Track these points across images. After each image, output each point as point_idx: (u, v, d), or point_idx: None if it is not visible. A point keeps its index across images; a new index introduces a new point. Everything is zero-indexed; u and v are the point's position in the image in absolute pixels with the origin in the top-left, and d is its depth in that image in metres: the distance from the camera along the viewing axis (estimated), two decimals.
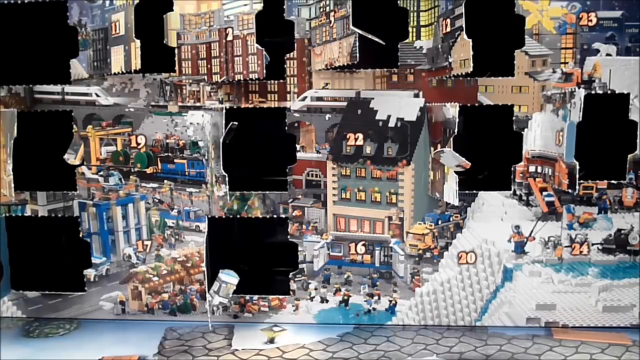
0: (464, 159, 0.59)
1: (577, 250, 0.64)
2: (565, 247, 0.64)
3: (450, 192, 0.61)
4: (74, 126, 0.67)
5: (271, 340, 0.65)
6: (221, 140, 0.63)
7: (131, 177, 0.68)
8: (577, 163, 0.60)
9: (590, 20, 0.60)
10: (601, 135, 0.61)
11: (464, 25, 0.60)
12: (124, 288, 0.69)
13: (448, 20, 0.62)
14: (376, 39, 0.62)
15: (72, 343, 0.66)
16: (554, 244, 0.64)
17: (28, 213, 0.68)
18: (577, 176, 0.61)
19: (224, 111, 0.64)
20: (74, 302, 0.70)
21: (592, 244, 0.64)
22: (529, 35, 0.61)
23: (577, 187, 0.61)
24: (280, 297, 0.67)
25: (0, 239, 0.68)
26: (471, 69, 0.60)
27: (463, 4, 0.60)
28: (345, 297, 0.67)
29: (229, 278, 0.66)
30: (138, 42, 0.63)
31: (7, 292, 0.69)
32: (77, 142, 0.67)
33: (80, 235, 0.68)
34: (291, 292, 0.67)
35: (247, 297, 0.67)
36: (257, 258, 0.66)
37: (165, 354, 0.63)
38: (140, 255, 0.68)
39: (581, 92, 0.60)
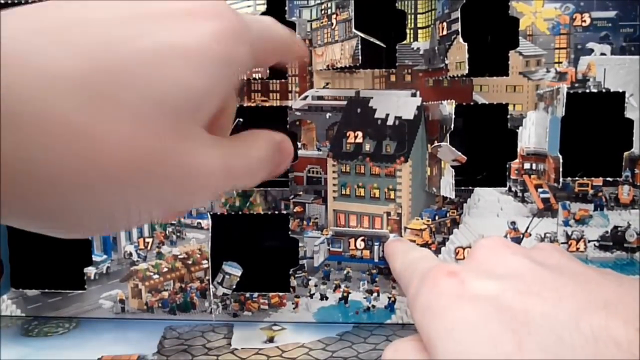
0: (460, 153, 0.57)
1: (573, 247, 0.61)
2: (562, 243, 0.61)
3: (447, 186, 0.59)
4: None
5: (270, 339, 0.61)
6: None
7: None
8: (560, 157, 0.58)
9: (584, 21, 0.59)
10: (597, 133, 0.59)
11: (459, 30, 0.59)
12: (124, 286, 0.66)
13: (444, 24, 0.61)
14: (378, 42, 0.61)
15: (71, 342, 0.61)
16: (550, 240, 0.61)
17: None
18: (561, 170, 0.58)
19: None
20: (74, 301, 0.65)
21: (589, 241, 0.61)
22: (523, 37, 0.60)
23: (561, 181, 0.59)
24: (280, 294, 0.64)
25: (0, 237, 0.65)
26: (467, 72, 0.59)
27: (459, 9, 0.59)
28: (345, 294, 0.64)
29: (233, 270, 0.63)
30: None
31: (7, 290, 0.66)
32: None
33: None
34: (291, 289, 0.64)
35: (247, 294, 0.65)
36: (258, 254, 0.64)
37: (164, 353, 0.59)
38: (142, 253, 0.65)
39: (564, 88, 0.58)
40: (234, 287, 0.63)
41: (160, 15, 0.25)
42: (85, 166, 0.22)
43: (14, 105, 0.21)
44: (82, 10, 0.24)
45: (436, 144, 0.58)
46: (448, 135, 0.57)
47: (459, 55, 0.58)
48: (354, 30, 0.59)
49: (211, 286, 0.63)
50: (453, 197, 0.59)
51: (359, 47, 0.59)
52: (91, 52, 0.23)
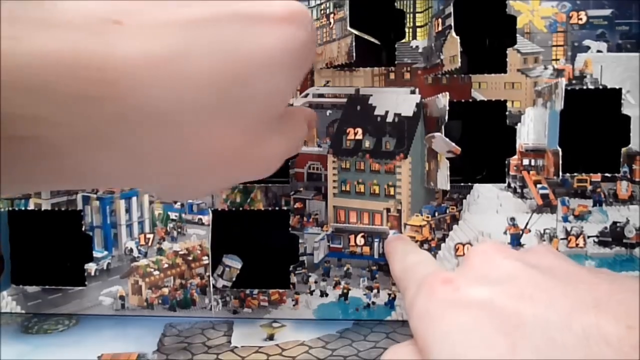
0: (454, 144, 0.57)
1: (573, 243, 0.61)
2: (561, 239, 0.61)
3: (443, 179, 0.59)
4: None
5: (270, 337, 0.61)
6: None
7: None
8: (560, 150, 0.58)
9: (581, 19, 0.59)
10: (595, 129, 0.59)
11: (452, 24, 0.59)
12: (124, 282, 0.65)
13: (440, 20, 0.61)
14: (372, 39, 0.61)
15: (71, 340, 0.61)
16: (549, 236, 0.61)
17: (31, 207, 0.65)
18: (561, 163, 0.58)
19: None
20: (74, 297, 0.65)
21: (588, 237, 0.61)
22: (521, 34, 0.61)
23: (560, 174, 0.59)
24: (280, 290, 0.64)
25: (1, 233, 0.65)
26: (459, 65, 0.59)
27: (452, 4, 0.59)
28: (345, 291, 0.64)
29: (233, 262, 0.63)
30: None
31: (7, 286, 0.66)
32: None
33: (83, 229, 0.65)
34: (291, 286, 0.64)
35: (247, 291, 0.64)
36: (259, 250, 0.64)
37: (164, 351, 0.59)
38: (142, 249, 0.65)
39: (562, 82, 0.58)
40: (234, 279, 0.63)
41: (255, 18, 0.27)
42: (205, 159, 0.27)
43: (152, 101, 0.23)
44: (180, 8, 0.25)
45: (430, 134, 0.58)
46: (443, 126, 0.57)
47: (452, 49, 0.59)
48: (348, 28, 0.60)
49: (211, 279, 0.63)
50: (448, 188, 0.59)
51: (353, 44, 0.60)
52: (219, 53, 0.25)
